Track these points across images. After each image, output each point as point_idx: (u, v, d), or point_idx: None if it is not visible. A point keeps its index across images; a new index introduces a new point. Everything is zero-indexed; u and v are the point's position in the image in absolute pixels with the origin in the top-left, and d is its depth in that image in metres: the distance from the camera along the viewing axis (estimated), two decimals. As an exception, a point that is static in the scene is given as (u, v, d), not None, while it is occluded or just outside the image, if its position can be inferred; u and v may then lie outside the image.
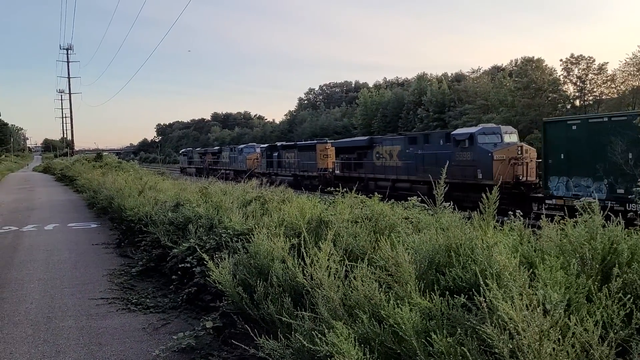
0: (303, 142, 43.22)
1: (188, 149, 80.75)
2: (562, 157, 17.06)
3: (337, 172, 32.54)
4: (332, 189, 7.44)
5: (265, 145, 49.37)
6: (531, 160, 20.42)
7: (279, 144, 46.87)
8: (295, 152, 39.10)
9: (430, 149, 24.84)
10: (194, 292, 6.07)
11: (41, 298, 6.77)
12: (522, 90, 55.29)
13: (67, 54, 68.21)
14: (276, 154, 42.37)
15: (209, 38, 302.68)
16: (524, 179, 19.98)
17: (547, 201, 17.31)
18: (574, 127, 16.71)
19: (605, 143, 15.32)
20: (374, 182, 28.11)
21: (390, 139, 29.97)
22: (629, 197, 13.72)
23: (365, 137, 34.08)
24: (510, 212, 5.65)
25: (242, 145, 53.98)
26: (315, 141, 40.03)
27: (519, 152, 20.30)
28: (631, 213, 12.87)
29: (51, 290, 7.17)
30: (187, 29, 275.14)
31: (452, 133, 23.96)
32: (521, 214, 5.93)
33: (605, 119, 16.10)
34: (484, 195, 4.18)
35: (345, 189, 7.17)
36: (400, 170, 26.76)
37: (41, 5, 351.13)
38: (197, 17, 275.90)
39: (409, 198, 6.91)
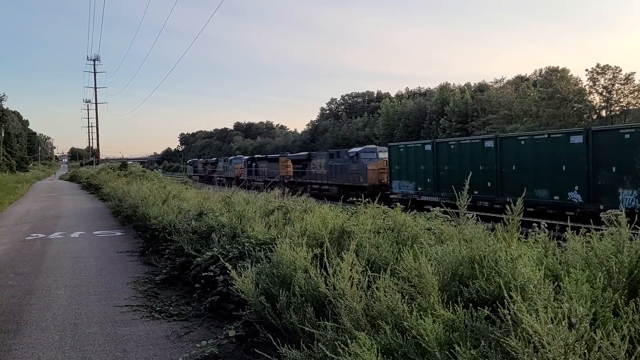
0: (271, 155, 53.11)
1: (194, 159, 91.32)
2: (397, 168, 26.10)
3: (292, 178, 41.69)
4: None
5: (247, 157, 59.26)
6: None
7: (256, 156, 56.87)
8: (266, 162, 48.64)
9: (339, 162, 34.12)
10: (217, 301, 6.11)
11: (68, 304, 6.88)
12: (547, 101, 54.74)
13: (94, 64, 69.65)
14: (254, 164, 51.35)
15: (232, 49, 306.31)
16: (385, 182, 28.66)
17: (391, 196, 24.86)
18: (401, 149, 26.30)
19: (413, 159, 24.92)
20: (310, 185, 36.43)
21: (320, 153, 39.89)
22: (421, 191, 23.96)
23: (306, 152, 44.65)
24: (534, 224, 5.64)
25: (231, 157, 65.15)
26: (279, 155, 50.12)
27: (385, 165, 28.77)
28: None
29: (77, 297, 7.29)
30: (211, 40, 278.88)
31: (348, 151, 34.08)
32: (545, 225, 5.88)
33: (411, 145, 26.63)
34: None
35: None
36: (324, 177, 35.81)
37: (69, 17, 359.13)
38: (221, 28, 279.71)
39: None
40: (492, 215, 17.28)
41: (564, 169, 17.25)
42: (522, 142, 19.20)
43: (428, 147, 24.23)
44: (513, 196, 13.99)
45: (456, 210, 5.50)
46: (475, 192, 19.52)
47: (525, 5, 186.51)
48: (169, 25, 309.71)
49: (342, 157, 34.17)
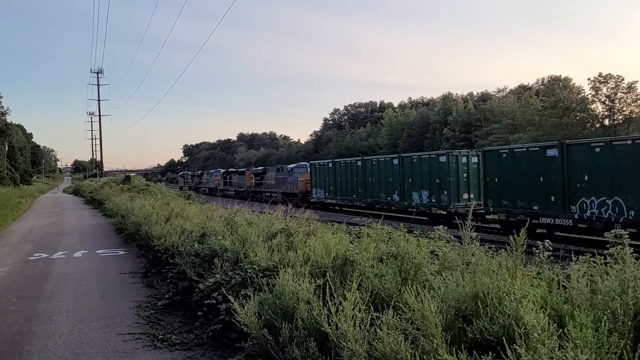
0: (240, 169, 65.42)
1: (184, 172, 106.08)
2: (314, 179, 37.45)
3: (254, 188, 52.88)
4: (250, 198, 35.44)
5: (223, 170, 71.82)
6: None
7: (230, 170, 69.49)
8: (237, 175, 60.86)
9: (282, 175, 46.10)
10: (220, 329, 6.07)
11: (70, 332, 6.84)
12: (550, 110, 54.71)
13: (98, 77, 70.25)
14: (228, 177, 63.68)
15: (236, 60, 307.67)
16: (310, 190, 38.69)
17: (311, 200, 36.63)
18: (316, 166, 37.70)
19: (323, 173, 36.32)
20: (264, 193, 47.30)
21: (271, 168, 52.70)
22: (327, 196, 35.51)
23: (262, 167, 59.00)
24: (537, 247, 5.66)
25: (212, 170, 78.63)
26: (245, 169, 63.46)
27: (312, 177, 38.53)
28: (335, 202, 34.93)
29: (79, 323, 7.25)
30: (215, 51, 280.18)
31: (287, 167, 47.17)
32: (549, 248, 5.88)
33: (322, 163, 37.75)
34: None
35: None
36: (273, 186, 46.81)
37: (73, 31, 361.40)
38: (225, 39, 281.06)
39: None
40: (362, 211, 29.62)
41: (391, 180, 28.55)
42: (374, 163, 30.69)
43: (330, 165, 35.56)
44: (372, 198, 30.55)
45: (350, 209, 25.36)
46: (353, 196, 32.12)
47: (527, 14, 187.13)
48: (173, 37, 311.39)
49: (284, 171, 46.27)
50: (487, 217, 20.88)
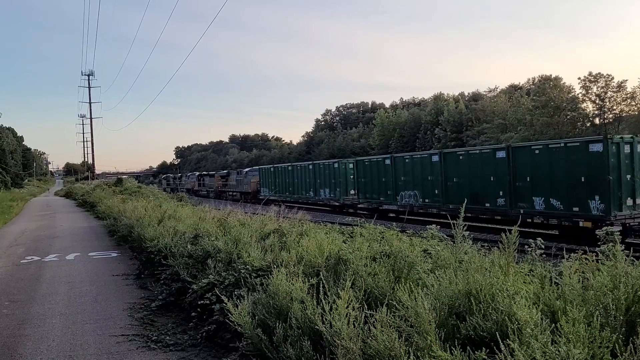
0: (210, 173, 76.56)
1: (167, 175, 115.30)
2: (262, 180, 45.49)
3: (220, 188, 62.52)
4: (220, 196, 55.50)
5: (197, 173, 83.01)
6: None
7: (204, 173, 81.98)
8: (208, 178, 71.09)
9: (240, 177, 55.85)
10: (214, 330, 6.06)
11: (63, 335, 6.80)
12: (541, 109, 54.94)
13: (89, 79, 69.68)
14: (202, 179, 74.35)
15: (228, 61, 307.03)
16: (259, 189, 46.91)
17: (260, 197, 40.72)
18: (263, 170, 47.46)
19: (268, 175, 45.40)
20: (228, 193, 57.83)
21: (233, 171, 63.60)
22: (271, 193, 42.59)
23: (226, 171, 70.05)
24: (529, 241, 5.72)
25: (189, 174, 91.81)
26: (214, 172, 73.43)
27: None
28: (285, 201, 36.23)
29: (72, 326, 7.22)
30: (207, 53, 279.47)
31: (243, 170, 57.40)
32: (541, 246, 5.92)
33: (267, 167, 48.81)
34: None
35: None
36: (234, 187, 57.10)
37: (64, 33, 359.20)
38: (216, 41, 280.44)
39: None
40: (292, 204, 33.62)
41: (308, 181, 37.50)
42: (298, 168, 39.97)
43: (272, 169, 45.12)
44: (297, 194, 41.89)
45: (286, 204, 17.44)
46: (287, 193, 40.22)
47: (518, 15, 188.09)
48: (165, 39, 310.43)
49: (241, 174, 56.24)
50: (358, 206, 30.21)
